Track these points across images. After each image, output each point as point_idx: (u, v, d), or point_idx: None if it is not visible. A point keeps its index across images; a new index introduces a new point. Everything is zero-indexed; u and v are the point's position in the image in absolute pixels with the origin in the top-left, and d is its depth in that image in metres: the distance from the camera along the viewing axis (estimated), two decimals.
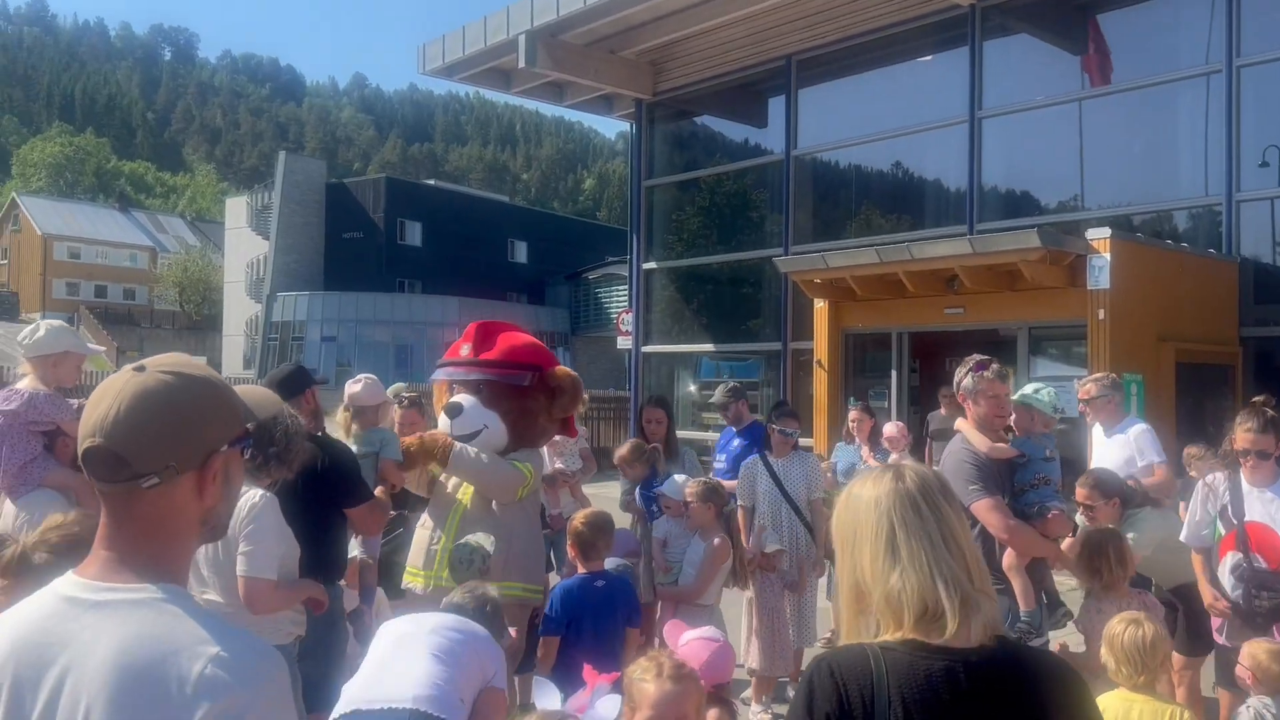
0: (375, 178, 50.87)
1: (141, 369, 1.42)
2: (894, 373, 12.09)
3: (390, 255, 43.27)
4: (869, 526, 1.77)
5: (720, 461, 7.20)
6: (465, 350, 4.87)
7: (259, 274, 43.33)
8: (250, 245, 45.05)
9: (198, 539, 1.46)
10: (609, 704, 2.77)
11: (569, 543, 4.55)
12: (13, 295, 61.55)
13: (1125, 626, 3.31)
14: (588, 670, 2.87)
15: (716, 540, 5.44)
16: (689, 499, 5.51)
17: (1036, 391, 4.34)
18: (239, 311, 46.34)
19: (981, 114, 12.62)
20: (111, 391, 1.39)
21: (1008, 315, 10.60)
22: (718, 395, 7.48)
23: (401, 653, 3.09)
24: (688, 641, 3.34)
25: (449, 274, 42.39)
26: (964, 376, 4.13)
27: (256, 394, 1.58)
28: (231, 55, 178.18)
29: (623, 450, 5.52)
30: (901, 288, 10.88)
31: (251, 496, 3.61)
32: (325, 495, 4.32)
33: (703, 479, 5.84)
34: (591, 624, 4.24)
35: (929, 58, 13.52)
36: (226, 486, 1.47)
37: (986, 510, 3.94)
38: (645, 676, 2.77)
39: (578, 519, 4.58)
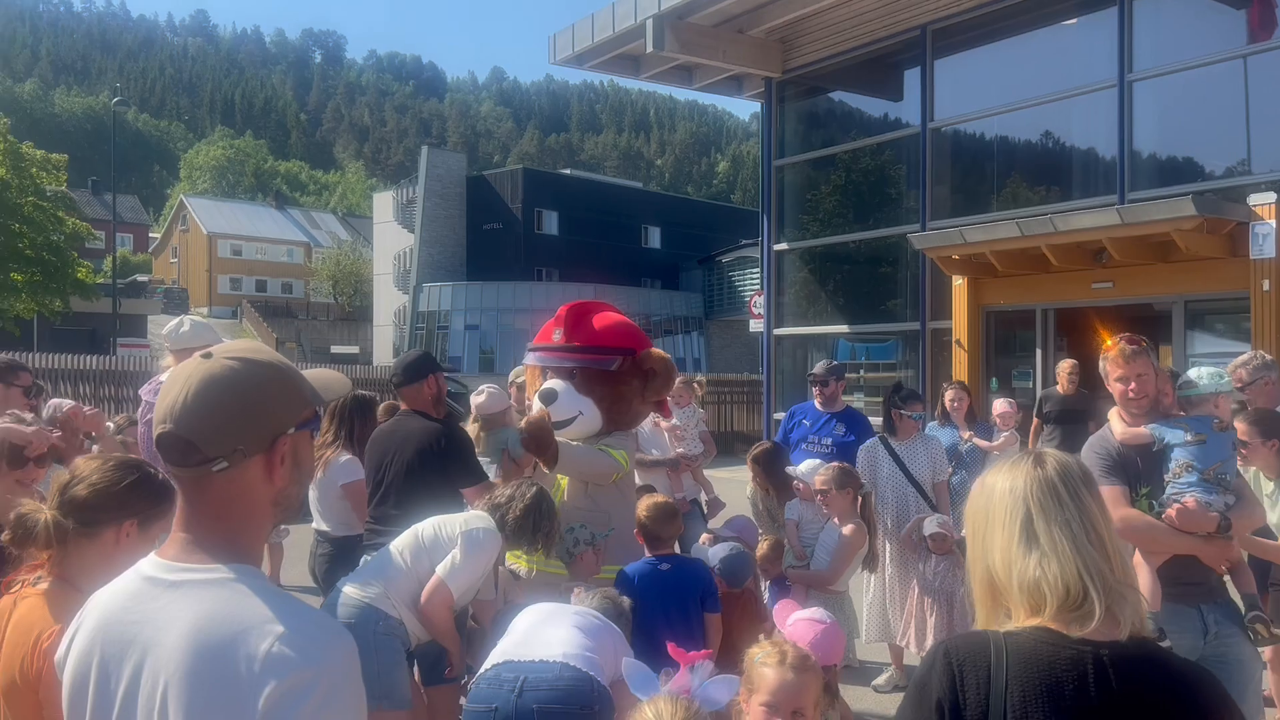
0: (513, 169, 51.87)
1: (209, 356, 1.46)
2: (1039, 351, 11.61)
3: (528, 245, 44.06)
4: (1003, 512, 1.71)
5: (823, 445, 6.67)
6: (557, 335, 4.72)
7: (405, 266, 44.80)
8: (397, 238, 46.65)
9: (270, 520, 1.49)
10: (722, 685, 2.70)
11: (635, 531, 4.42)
12: (183, 291, 65.68)
13: None
14: (673, 649, 2.80)
15: (851, 526, 5.32)
16: (821, 487, 5.39)
17: (1196, 377, 3.94)
18: (388, 302, 48.09)
19: (1132, 77, 11.90)
20: (181, 379, 1.44)
21: (1161, 289, 10.03)
22: (819, 368, 7.07)
23: (549, 622, 3.36)
24: (795, 621, 3.25)
25: (585, 262, 42.85)
26: (1100, 361, 3.85)
27: (325, 376, 1.59)
28: (377, 55, 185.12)
29: (763, 549, 5.41)
30: (1045, 262, 10.43)
31: (487, 523, 3.84)
32: (443, 474, 4.54)
33: (835, 463, 5.69)
34: (660, 606, 4.06)
35: (1073, 20, 12.82)
36: (296, 469, 1.49)
37: None
38: (768, 661, 2.69)
39: (640, 509, 4.39)
